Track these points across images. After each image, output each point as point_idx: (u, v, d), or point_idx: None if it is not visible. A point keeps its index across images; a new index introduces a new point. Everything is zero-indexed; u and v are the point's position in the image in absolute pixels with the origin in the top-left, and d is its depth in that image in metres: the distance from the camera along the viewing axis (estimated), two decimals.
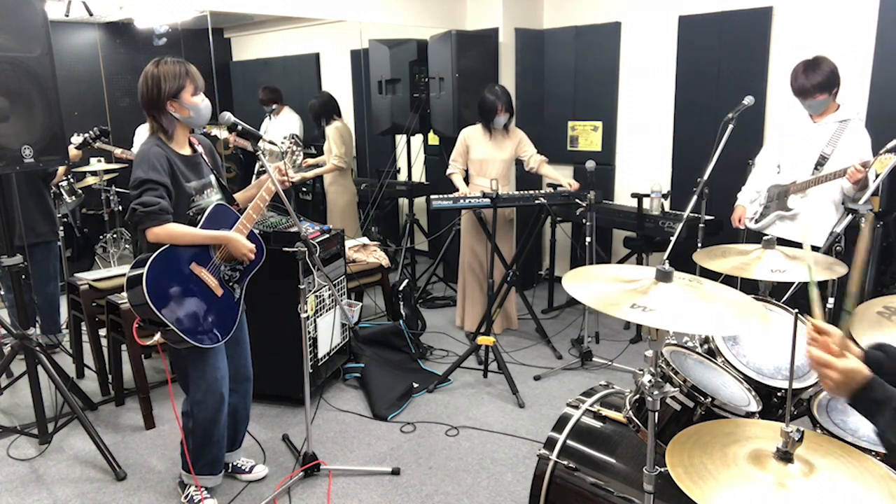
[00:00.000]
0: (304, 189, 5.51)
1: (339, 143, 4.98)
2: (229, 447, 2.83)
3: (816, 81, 3.09)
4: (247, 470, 2.88)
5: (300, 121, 5.63)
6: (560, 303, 5.11)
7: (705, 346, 2.12)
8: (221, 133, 4.83)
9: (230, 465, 2.87)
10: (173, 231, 2.29)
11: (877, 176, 2.92)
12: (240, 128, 2.50)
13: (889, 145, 2.79)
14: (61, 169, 4.04)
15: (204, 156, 2.54)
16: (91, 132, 3.91)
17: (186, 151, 2.47)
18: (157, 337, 2.32)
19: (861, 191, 3.03)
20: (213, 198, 2.51)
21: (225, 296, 2.45)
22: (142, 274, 2.21)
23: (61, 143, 2.89)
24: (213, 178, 2.55)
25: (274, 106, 5.59)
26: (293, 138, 2.71)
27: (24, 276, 3.01)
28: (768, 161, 3.50)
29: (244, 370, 2.74)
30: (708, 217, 3.56)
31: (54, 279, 4.05)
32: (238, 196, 2.67)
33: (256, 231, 2.53)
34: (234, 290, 2.51)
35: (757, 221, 3.47)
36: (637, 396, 1.78)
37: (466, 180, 4.32)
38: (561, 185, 4.16)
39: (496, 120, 4.12)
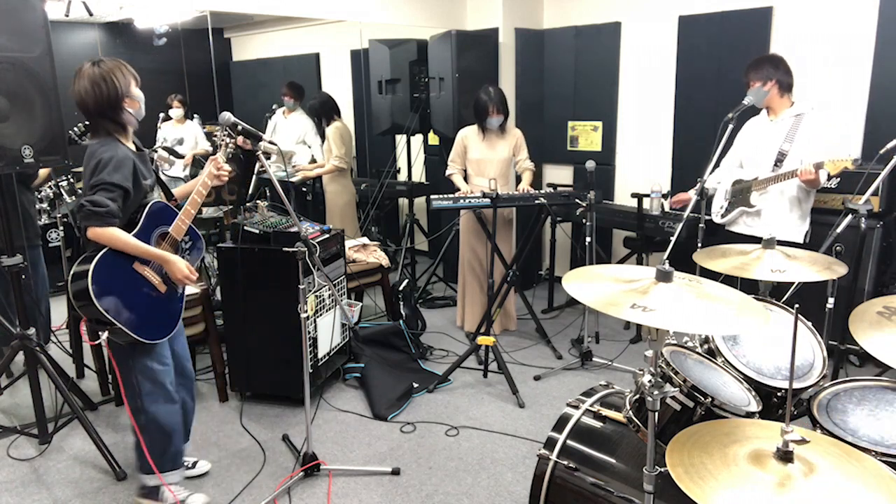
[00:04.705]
0: (303, 189, 5.51)
1: (338, 143, 4.99)
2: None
3: (748, 68, 3.30)
4: (189, 465, 2.84)
5: (313, 126, 5.58)
6: (560, 303, 5.11)
7: (705, 346, 2.12)
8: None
9: None
10: (114, 236, 2.25)
11: (829, 177, 3.07)
12: (240, 127, 2.49)
13: (889, 145, 2.79)
14: (42, 171, 3.97)
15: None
16: (75, 129, 3.78)
17: (134, 148, 2.45)
18: (105, 336, 2.30)
19: (813, 190, 3.23)
20: (154, 195, 2.51)
21: (168, 292, 2.46)
22: (87, 271, 2.22)
23: (61, 143, 2.89)
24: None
25: (290, 101, 5.56)
26: (226, 130, 2.54)
27: (23, 277, 3.01)
28: (731, 159, 3.59)
29: (187, 363, 2.74)
30: (708, 217, 3.56)
31: (42, 282, 4.01)
32: (177, 191, 2.66)
33: (257, 231, 2.54)
34: (178, 286, 2.51)
35: (724, 216, 3.54)
36: (637, 396, 1.78)
37: (466, 180, 4.32)
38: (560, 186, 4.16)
39: (489, 121, 4.12)
